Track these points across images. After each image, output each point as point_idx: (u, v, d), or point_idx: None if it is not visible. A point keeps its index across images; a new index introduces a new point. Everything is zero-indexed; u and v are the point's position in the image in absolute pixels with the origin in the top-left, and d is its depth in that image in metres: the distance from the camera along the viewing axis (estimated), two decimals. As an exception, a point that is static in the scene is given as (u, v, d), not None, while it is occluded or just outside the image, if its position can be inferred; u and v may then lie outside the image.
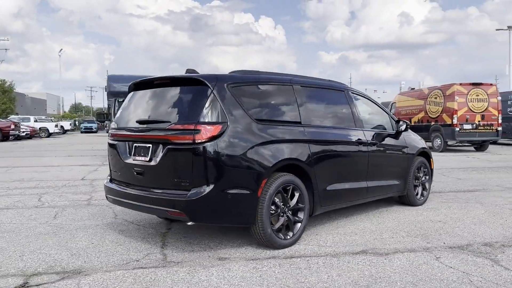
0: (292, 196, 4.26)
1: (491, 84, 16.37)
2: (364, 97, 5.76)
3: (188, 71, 4.58)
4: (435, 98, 16.80)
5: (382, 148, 5.56)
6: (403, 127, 5.84)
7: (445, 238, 4.54)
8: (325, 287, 3.22)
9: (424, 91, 17.96)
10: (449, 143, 17.04)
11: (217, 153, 3.73)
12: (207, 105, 3.83)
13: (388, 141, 5.71)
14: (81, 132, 53.78)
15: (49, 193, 7.62)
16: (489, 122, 15.99)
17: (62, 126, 46.46)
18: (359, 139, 5.16)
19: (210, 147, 3.70)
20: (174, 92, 4.21)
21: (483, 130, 15.97)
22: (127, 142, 4.39)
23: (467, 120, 15.83)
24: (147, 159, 4.09)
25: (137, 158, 4.21)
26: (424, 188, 6.42)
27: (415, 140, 6.37)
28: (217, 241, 4.42)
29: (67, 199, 7.02)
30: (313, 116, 4.71)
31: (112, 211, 5.99)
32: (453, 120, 15.76)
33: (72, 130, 55.01)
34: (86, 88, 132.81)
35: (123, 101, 14.28)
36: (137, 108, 4.50)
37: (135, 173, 4.22)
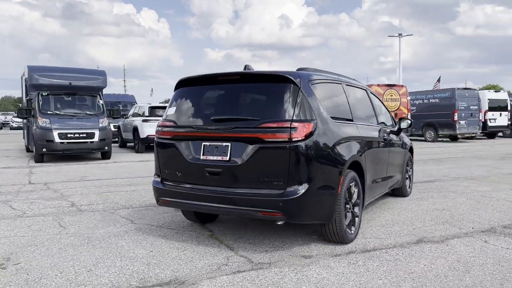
0: (353, 192, 4.43)
1: (402, 86, 18.26)
2: (374, 95, 6.14)
3: (246, 67, 4.46)
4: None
5: (394, 144, 6.00)
6: (406, 125, 6.35)
7: (467, 224, 5.09)
8: (435, 274, 3.47)
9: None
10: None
11: (311, 151, 3.74)
12: (297, 102, 3.81)
13: (394, 137, 6.17)
14: (-50, 130, 46.83)
15: (13, 200, 6.71)
16: (400, 120, 17.81)
17: None
18: (383, 135, 5.51)
19: (305, 145, 3.70)
20: (251, 89, 4.10)
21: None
22: (194, 141, 4.15)
23: (383, 118, 17.44)
24: (226, 158, 3.92)
25: (210, 157, 4.01)
26: (410, 180, 7.05)
27: (405, 136, 6.96)
28: (279, 240, 4.40)
29: (44, 206, 6.26)
30: (357, 113, 4.93)
31: (120, 216, 5.56)
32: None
33: None
34: None
35: (47, 94, 13.03)
36: (202, 105, 4.28)
37: (207, 173, 4.00)
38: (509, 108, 22.96)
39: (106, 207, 6.12)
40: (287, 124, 3.71)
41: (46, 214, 5.70)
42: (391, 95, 17.65)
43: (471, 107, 20.55)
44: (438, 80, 37.63)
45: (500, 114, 22.72)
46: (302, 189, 3.69)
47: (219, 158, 3.96)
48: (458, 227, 4.96)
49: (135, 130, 15.40)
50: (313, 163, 3.77)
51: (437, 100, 20.61)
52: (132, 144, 16.27)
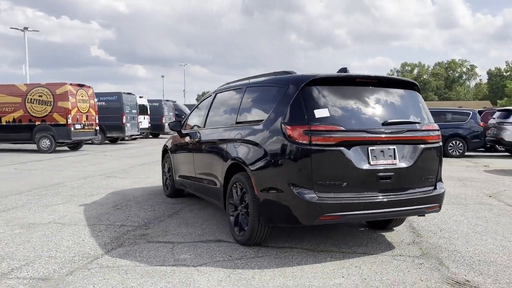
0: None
1: (89, 86, 17.44)
2: None
3: (346, 70, 4.43)
4: (40, 96, 15.87)
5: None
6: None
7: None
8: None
9: (20, 87, 16.27)
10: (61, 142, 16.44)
11: None
12: (425, 106, 4.43)
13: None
14: None
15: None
16: (90, 122, 17.13)
17: None
18: None
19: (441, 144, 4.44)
20: (392, 93, 4.31)
21: (87, 130, 16.93)
22: (361, 146, 3.91)
23: (77, 120, 16.25)
24: (395, 161, 4.02)
25: (380, 162, 3.97)
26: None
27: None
28: (380, 244, 4.74)
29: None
30: None
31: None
32: (68, 120, 15.72)
33: None
34: None
35: None
36: (357, 107, 4.07)
37: (378, 179, 3.92)
38: (149, 112, 25.98)
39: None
40: (436, 127, 4.33)
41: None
42: (82, 96, 16.57)
43: (132, 111, 22.15)
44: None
45: (144, 117, 25.42)
46: (443, 183, 4.41)
47: (389, 162, 3.99)
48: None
49: None
50: None
51: (103, 103, 20.76)
52: None
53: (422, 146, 4.21)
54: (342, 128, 3.89)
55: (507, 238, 4.77)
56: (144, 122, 25.49)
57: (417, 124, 4.26)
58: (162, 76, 69.57)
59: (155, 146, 20.01)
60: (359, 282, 3.49)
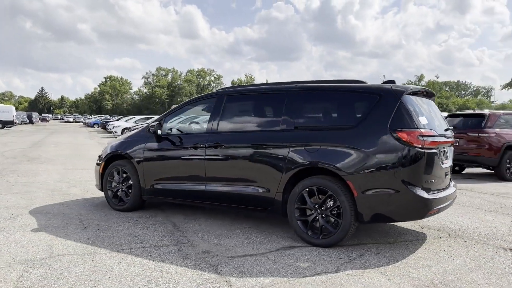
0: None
1: None
2: None
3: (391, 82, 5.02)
4: None
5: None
6: None
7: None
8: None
9: None
10: None
11: None
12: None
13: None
14: None
15: None
16: None
17: None
18: None
19: None
20: (432, 103, 5.23)
21: None
22: (439, 149, 4.65)
23: None
24: (449, 160, 4.96)
25: (445, 161, 4.82)
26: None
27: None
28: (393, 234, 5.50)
29: None
30: None
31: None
32: None
33: None
34: None
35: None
36: (431, 115, 4.85)
37: (445, 175, 4.79)
38: None
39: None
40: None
41: None
42: None
43: None
44: None
45: None
46: None
47: (447, 161, 4.87)
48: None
49: None
50: None
51: None
52: None
53: (452, 147, 5.29)
54: (436, 133, 4.63)
55: (468, 216, 6.29)
56: None
57: (451, 130, 5.33)
58: None
59: None
60: (470, 260, 4.26)
